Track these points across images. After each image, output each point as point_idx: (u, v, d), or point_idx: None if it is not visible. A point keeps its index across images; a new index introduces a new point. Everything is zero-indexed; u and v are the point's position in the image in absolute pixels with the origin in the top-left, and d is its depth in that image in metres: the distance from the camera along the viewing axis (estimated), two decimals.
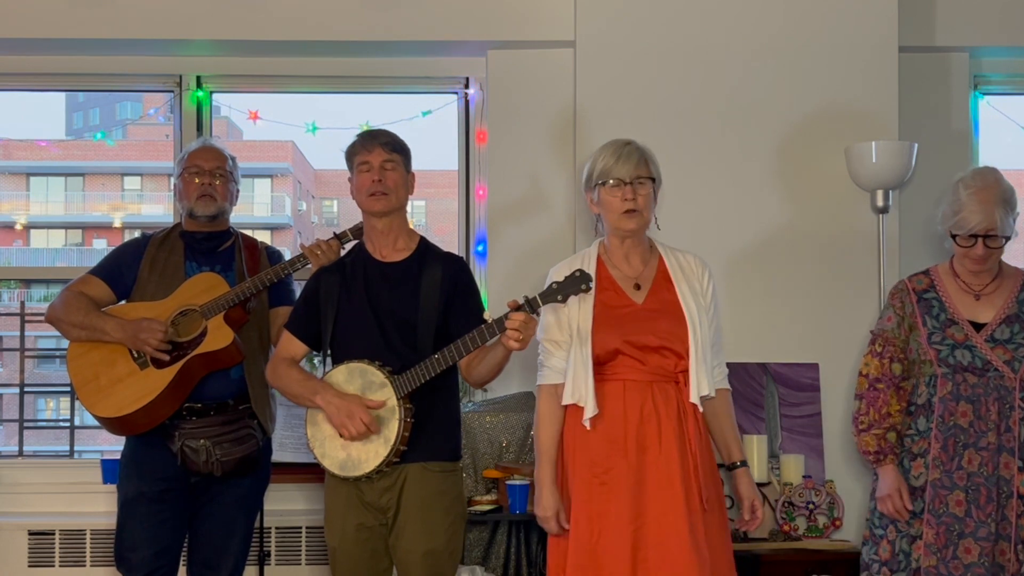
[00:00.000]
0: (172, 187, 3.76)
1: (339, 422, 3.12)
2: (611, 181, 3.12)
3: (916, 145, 4.20)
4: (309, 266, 3.49)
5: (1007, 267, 3.43)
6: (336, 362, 3.24)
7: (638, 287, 3.16)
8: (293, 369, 3.30)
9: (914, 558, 3.30)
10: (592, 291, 3.08)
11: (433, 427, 3.19)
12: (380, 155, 3.26)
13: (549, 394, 3.14)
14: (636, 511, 3.01)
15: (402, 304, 3.21)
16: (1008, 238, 3.31)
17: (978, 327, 3.32)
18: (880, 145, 4.16)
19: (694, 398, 3.07)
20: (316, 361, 3.85)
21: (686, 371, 3.08)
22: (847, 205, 4.30)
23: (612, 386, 3.08)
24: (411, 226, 3.42)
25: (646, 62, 4.34)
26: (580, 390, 3.06)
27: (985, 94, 4.82)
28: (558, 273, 3.14)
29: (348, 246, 3.50)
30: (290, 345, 3.33)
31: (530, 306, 2.99)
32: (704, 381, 3.08)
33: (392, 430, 3.10)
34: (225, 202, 3.65)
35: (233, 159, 3.73)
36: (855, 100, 4.32)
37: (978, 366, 3.28)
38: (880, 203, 4.23)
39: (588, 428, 3.05)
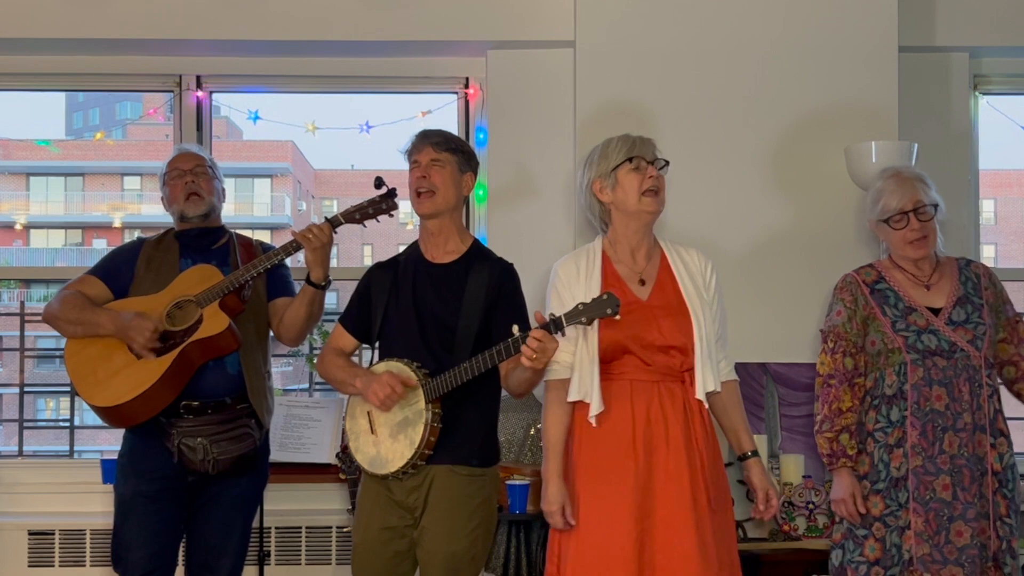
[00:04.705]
0: (161, 200, 3.74)
1: (370, 390, 3.14)
2: (632, 162, 3.12)
3: (916, 145, 4.20)
4: (302, 251, 3.46)
5: (942, 256, 3.48)
6: (382, 358, 3.26)
7: (643, 283, 3.14)
8: (339, 358, 3.36)
9: (905, 549, 3.30)
10: (600, 287, 3.06)
11: (463, 431, 3.17)
12: (428, 154, 3.25)
13: (557, 389, 3.11)
14: (643, 511, 3.00)
15: (444, 307, 3.21)
16: (936, 206, 3.37)
17: (934, 312, 3.36)
18: (880, 145, 4.16)
19: (700, 395, 3.05)
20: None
21: (691, 369, 3.07)
22: (847, 205, 4.30)
23: (619, 385, 3.06)
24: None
25: (646, 62, 4.34)
26: (586, 387, 3.04)
27: (985, 94, 4.82)
28: (564, 270, 3.13)
29: (340, 230, 3.47)
30: (340, 338, 3.38)
31: (555, 325, 2.92)
32: (710, 378, 3.06)
33: (418, 433, 3.11)
34: (212, 198, 3.65)
35: (211, 159, 3.75)
36: (855, 100, 4.32)
37: (945, 348, 3.31)
38: None
39: (595, 425, 3.03)
